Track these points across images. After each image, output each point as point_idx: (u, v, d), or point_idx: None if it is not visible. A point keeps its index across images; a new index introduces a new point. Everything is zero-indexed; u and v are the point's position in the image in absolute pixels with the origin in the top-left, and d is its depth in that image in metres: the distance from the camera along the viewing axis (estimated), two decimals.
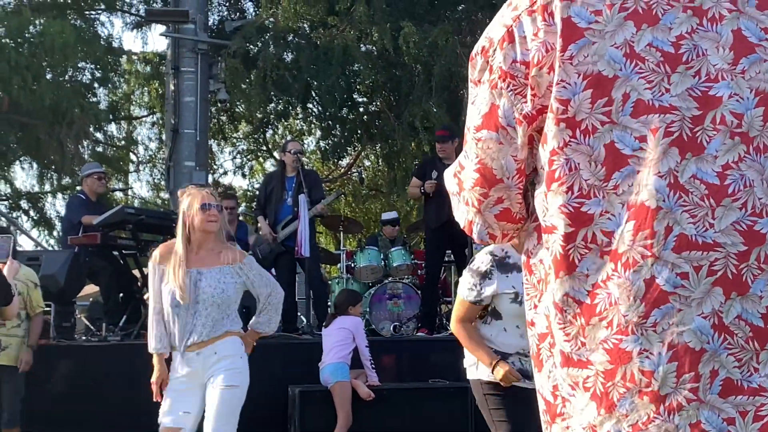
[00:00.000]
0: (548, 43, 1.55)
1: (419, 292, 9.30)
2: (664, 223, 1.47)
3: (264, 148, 19.58)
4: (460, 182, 1.71)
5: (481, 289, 4.09)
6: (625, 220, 1.49)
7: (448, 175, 1.77)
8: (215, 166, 19.22)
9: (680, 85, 1.50)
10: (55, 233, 17.57)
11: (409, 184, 9.56)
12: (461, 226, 1.76)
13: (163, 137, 16.12)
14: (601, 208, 1.52)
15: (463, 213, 1.74)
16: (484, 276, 4.09)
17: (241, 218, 10.70)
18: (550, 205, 1.57)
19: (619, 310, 1.49)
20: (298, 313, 9.70)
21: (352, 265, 9.83)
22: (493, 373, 4.10)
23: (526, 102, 1.59)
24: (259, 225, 9.34)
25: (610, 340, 1.50)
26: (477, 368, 4.23)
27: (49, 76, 14.35)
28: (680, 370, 1.45)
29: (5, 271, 5.11)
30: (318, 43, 13.78)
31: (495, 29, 1.64)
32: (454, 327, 4.24)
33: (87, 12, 16.97)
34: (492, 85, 1.62)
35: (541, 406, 1.65)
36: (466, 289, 4.15)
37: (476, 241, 1.76)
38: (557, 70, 1.54)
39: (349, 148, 17.45)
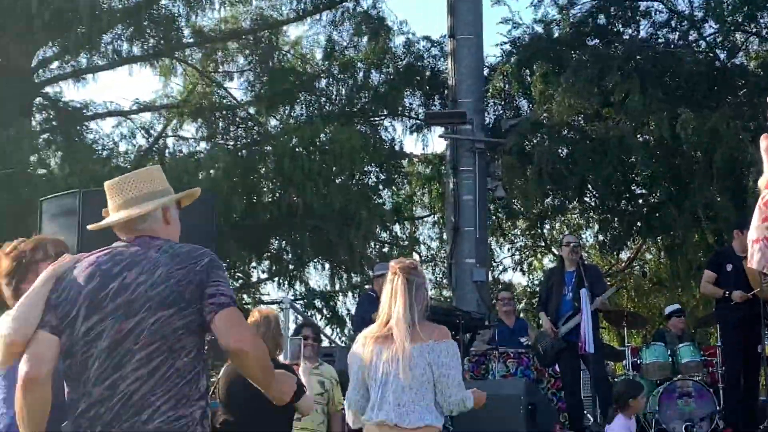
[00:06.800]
0: None
1: (711, 390, 8.82)
2: None
3: (542, 243, 19.59)
4: None
5: None
6: None
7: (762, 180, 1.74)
8: (494, 263, 19.45)
9: None
10: (346, 330, 18.39)
11: (698, 278, 9.16)
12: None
13: (444, 236, 16.59)
14: None
15: None
16: None
17: (521, 315, 10.75)
18: None
19: None
20: (585, 412, 9.50)
21: (638, 361, 9.52)
22: None
23: None
24: (540, 321, 9.34)
25: None
26: None
27: (338, 181, 15.29)
28: None
29: (300, 372, 5.45)
30: (593, 135, 13.76)
31: None
32: None
33: (372, 118, 18.00)
34: None
35: None
36: None
37: None
38: None
39: (628, 242, 17.07)
